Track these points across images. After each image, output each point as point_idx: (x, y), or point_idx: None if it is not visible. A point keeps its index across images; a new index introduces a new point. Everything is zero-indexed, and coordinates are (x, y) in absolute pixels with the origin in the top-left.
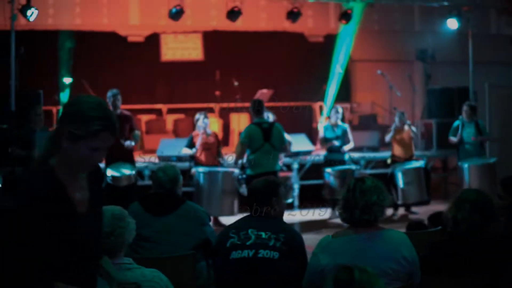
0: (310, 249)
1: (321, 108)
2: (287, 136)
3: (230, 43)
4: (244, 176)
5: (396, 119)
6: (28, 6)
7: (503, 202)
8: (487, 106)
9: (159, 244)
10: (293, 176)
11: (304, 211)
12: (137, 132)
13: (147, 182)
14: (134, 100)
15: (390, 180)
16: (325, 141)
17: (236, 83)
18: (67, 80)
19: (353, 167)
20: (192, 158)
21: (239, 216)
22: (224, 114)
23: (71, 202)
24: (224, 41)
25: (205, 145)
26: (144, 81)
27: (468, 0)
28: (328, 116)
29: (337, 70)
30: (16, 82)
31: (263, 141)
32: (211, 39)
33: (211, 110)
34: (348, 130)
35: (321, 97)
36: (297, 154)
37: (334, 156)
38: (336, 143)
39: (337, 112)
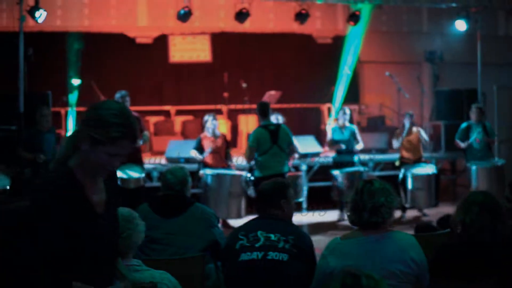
0: (319, 251)
1: (329, 109)
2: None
3: (238, 44)
4: (252, 178)
5: (407, 122)
6: (36, 7)
7: (511, 204)
8: (495, 108)
9: (168, 246)
10: (302, 177)
11: (312, 213)
12: (146, 133)
13: (156, 183)
14: (142, 102)
15: (401, 182)
16: (332, 143)
17: (244, 85)
18: (76, 81)
19: (361, 169)
20: (200, 160)
21: (246, 219)
22: (232, 116)
23: (90, 203)
24: (232, 42)
25: (214, 148)
26: (152, 82)
27: (476, 2)
28: (336, 118)
29: (345, 71)
30: (24, 83)
31: (271, 143)
32: (219, 40)
33: (219, 111)
34: (356, 131)
35: (329, 98)
36: (305, 156)
37: (343, 158)
38: (343, 146)
39: (344, 113)
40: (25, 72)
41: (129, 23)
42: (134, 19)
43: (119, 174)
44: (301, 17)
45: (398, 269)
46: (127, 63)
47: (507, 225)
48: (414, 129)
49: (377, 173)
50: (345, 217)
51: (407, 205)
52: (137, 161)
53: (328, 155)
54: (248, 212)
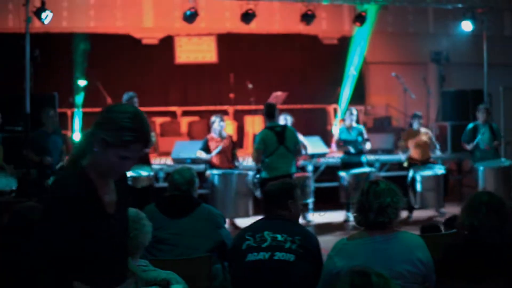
0: (326, 252)
1: (335, 110)
2: (303, 140)
3: (244, 45)
4: (259, 179)
5: (415, 123)
6: (42, 8)
7: None
8: (502, 108)
9: (174, 247)
10: (310, 178)
11: (313, 213)
12: (152, 134)
13: (162, 184)
14: (149, 103)
15: (410, 184)
16: (341, 144)
17: (250, 86)
18: (82, 82)
19: (368, 170)
20: (207, 161)
21: (254, 218)
22: (239, 117)
23: (102, 203)
24: (238, 43)
25: (224, 147)
26: (158, 83)
27: (482, 2)
28: (342, 118)
29: (351, 72)
30: (30, 84)
31: (278, 144)
32: (225, 41)
33: (225, 112)
34: (364, 130)
35: (336, 99)
36: (311, 156)
37: (351, 159)
38: (351, 149)
39: (351, 114)
40: (31, 73)
41: (135, 24)
42: (140, 20)
43: (130, 172)
44: (307, 18)
45: (405, 270)
46: (133, 64)
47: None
48: (423, 129)
49: (383, 174)
50: (351, 218)
51: (416, 206)
52: (145, 161)
53: (334, 155)
54: (256, 212)
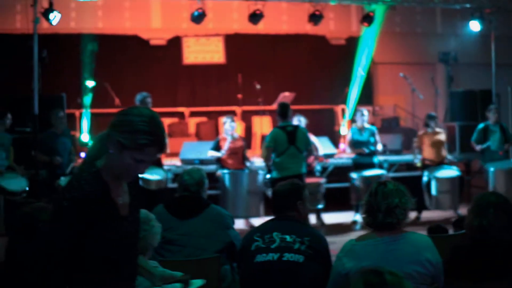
0: (335, 253)
1: (343, 111)
2: (316, 141)
3: (252, 46)
4: (270, 178)
5: (432, 123)
6: (50, 9)
7: None
8: (510, 108)
9: (183, 247)
10: (323, 184)
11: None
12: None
13: (170, 185)
14: (156, 103)
15: (426, 186)
16: (354, 145)
17: (258, 86)
18: (90, 83)
19: (380, 173)
20: (218, 161)
21: (265, 218)
22: (246, 117)
23: (115, 205)
24: (246, 44)
25: (233, 149)
26: (166, 84)
27: (490, 2)
28: (350, 119)
29: (359, 72)
30: (39, 85)
31: (288, 144)
32: (233, 42)
33: (233, 113)
34: (376, 131)
35: (343, 100)
36: (324, 157)
37: (363, 160)
38: (366, 150)
39: (362, 115)
40: (39, 74)
41: (143, 25)
42: (148, 21)
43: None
44: (314, 18)
45: (414, 270)
46: (141, 65)
47: None
48: (438, 129)
49: (391, 174)
50: (359, 219)
51: (431, 208)
52: (157, 163)
53: (342, 156)
54: (267, 212)
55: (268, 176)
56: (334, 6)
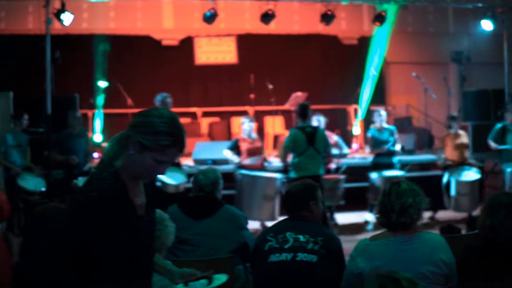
0: (348, 253)
1: (355, 110)
2: (338, 139)
3: (264, 46)
4: (288, 179)
5: (454, 124)
6: (63, 10)
7: None
8: None
9: (197, 247)
10: (342, 181)
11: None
12: None
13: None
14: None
15: (445, 187)
16: (374, 145)
17: (270, 86)
18: (102, 83)
19: (400, 173)
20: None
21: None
22: (259, 117)
23: (133, 205)
24: (258, 44)
25: (251, 150)
26: (178, 84)
27: (502, 2)
28: (363, 119)
29: (372, 72)
30: (51, 86)
31: (307, 145)
32: (245, 42)
33: (245, 113)
34: (395, 131)
35: (356, 99)
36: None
37: (382, 160)
38: (386, 148)
39: (380, 115)
40: (52, 75)
41: (155, 26)
42: (160, 22)
43: (163, 176)
44: (326, 18)
45: (428, 271)
46: (153, 65)
47: None
48: (460, 131)
49: (409, 175)
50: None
51: (451, 209)
52: (176, 164)
53: (355, 156)
54: (283, 214)
55: (286, 176)
56: (346, 5)
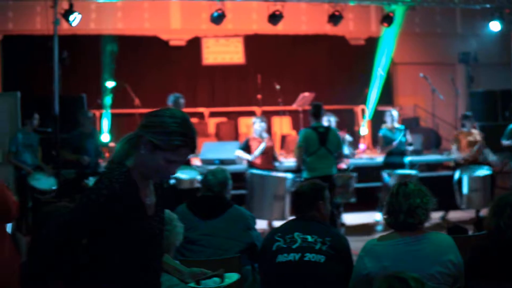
0: (356, 253)
1: (363, 111)
2: (348, 138)
3: (271, 46)
4: (300, 179)
5: (467, 124)
6: (70, 10)
7: None
8: None
9: (205, 248)
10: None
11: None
12: None
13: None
14: None
15: (457, 183)
16: (387, 144)
17: (277, 87)
18: (110, 84)
19: (414, 172)
20: (249, 161)
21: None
22: (266, 118)
23: (143, 204)
24: (265, 44)
25: (266, 148)
26: (185, 84)
27: (510, 3)
28: (370, 119)
29: (379, 73)
30: (59, 86)
31: (319, 145)
32: (252, 42)
33: (252, 113)
34: (407, 131)
35: (363, 100)
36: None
37: (393, 159)
38: (395, 144)
39: (391, 115)
40: (60, 75)
41: (162, 26)
42: (168, 22)
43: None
44: (334, 18)
45: (436, 271)
46: (161, 66)
47: None
48: (474, 130)
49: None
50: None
51: (463, 207)
52: (187, 163)
53: (362, 156)
54: (293, 213)
55: (298, 176)
56: (354, 6)
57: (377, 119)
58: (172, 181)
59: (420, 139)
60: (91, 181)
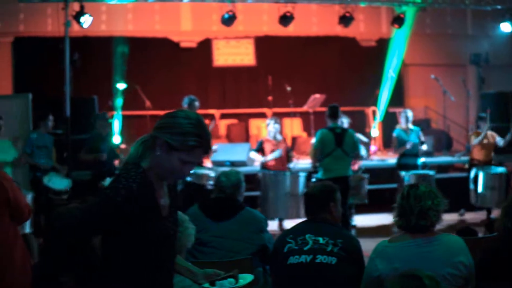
0: (368, 255)
1: (374, 113)
2: (363, 138)
3: (282, 48)
4: (316, 179)
5: (483, 124)
6: (81, 12)
7: None
8: None
9: (216, 249)
10: (366, 180)
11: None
12: None
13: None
14: None
15: (473, 181)
16: (400, 145)
17: (288, 88)
18: (121, 85)
19: (431, 173)
20: (263, 163)
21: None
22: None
23: (159, 205)
24: (276, 46)
25: (274, 151)
26: (196, 86)
27: None
28: (381, 121)
29: (390, 74)
30: (70, 88)
31: (335, 146)
32: (263, 44)
33: (263, 115)
34: (421, 132)
35: (374, 101)
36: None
37: (407, 161)
38: (408, 146)
39: (406, 116)
40: (71, 77)
41: (173, 28)
42: (178, 24)
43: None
44: (345, 20)
45: (448, 273)
46: (172, 67)
47: None
48: (489, 131)
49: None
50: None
51: (477, 204)
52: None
53: (373, 158)
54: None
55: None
56: (364, 7)
57: (388, 121)
58: (188, 178)
59: (431, 140)
60: (107, 181)
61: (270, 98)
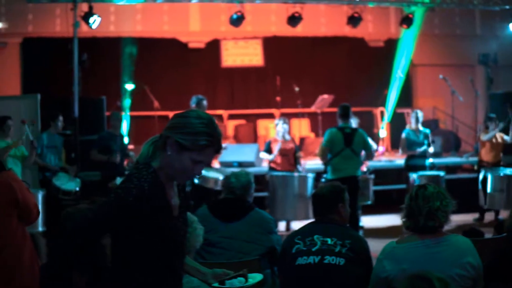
0: (376, 255)
1: (382, 113)
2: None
3: (290, 48)
4: (325, 179)
5: (491, 125)
6: (90, 13)
7: None
8: None
9: (225, 250)
10: (371, 180)
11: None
12: None
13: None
14: None
15: (482, 183)
16: (408, 146)
17: (296, 89)
18: (129, 86)
19: (441, 173)
20: (268, 163)
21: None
22: None
23: (170, 205)
24: (284, 46)
25: (283, 151)
26: (204, 87)
27: None
28: (389, 121)
29: (398, 75)
30: (79, 88)
31: (344, 146)
32: (271, 44)
33: (271, 115)
34: (430, 134)
35: (382, 102)
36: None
37: (415, 162)
38: (418, 150)
39: (416, 116)
40: (79, 77)
41: (181, 28)
42: (187, 24)
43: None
44: (353, 20)
45: (456, 273)
46: (180, 68)
47: None
48: (498, 132)
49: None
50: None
51: (485, 207)
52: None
53: (381, 159)
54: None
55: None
56: (373, 8)
57: (396, 121)
58: (196, 181)
59: (440, 141)
60: (118, 181)
61: (278, 98)
